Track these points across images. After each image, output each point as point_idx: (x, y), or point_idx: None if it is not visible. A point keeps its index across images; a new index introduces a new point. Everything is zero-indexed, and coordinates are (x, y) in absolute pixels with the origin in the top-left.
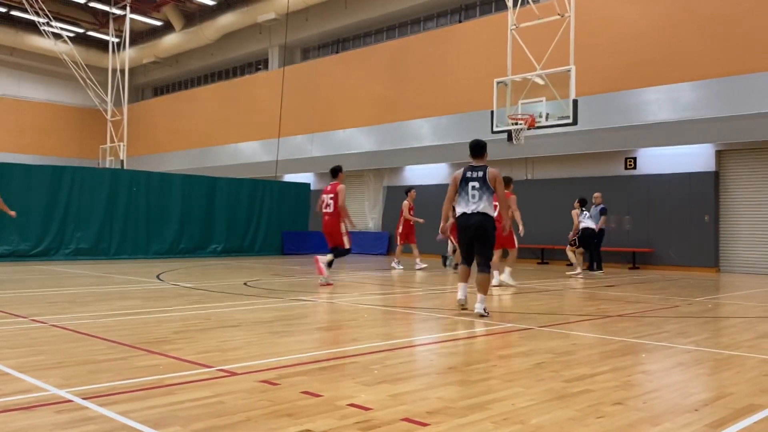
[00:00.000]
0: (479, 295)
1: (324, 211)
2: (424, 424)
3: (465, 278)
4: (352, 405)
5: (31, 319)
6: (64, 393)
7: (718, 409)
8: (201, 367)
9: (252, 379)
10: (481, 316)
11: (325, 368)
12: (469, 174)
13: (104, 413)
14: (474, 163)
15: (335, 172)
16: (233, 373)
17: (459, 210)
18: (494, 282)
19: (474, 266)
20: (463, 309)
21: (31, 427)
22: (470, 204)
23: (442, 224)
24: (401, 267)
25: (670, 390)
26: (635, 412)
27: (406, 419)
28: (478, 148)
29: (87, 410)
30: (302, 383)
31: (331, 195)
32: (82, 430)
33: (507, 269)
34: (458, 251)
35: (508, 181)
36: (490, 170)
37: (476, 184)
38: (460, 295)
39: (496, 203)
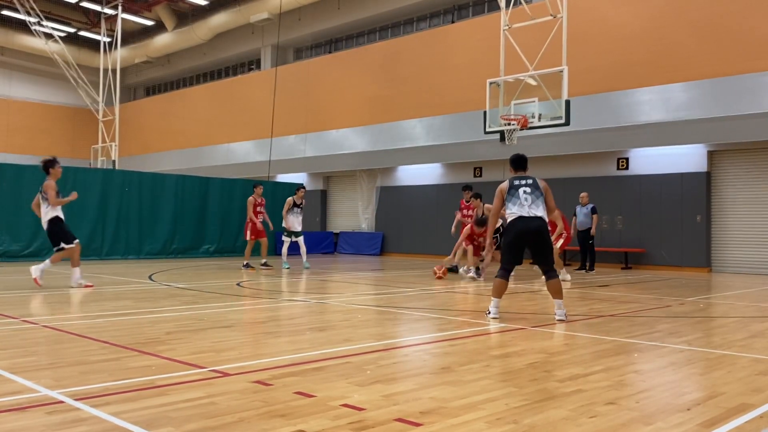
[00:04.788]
0: (558, 301)
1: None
2: (418, 424)
3: (502, 293)
4: (345, 405)
5: (23, 319)
6: (55, 394)
7: (710, 408)
8: (194, 367)
9: (245, 380)
10: (561, 320)
11: (318, 369)
12: (517, 182)
13: (96, 414)
14: (517, 176)
15: None
16: (226, 374)
17: (513, 214)
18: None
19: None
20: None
21: (22, 428)
22: (524, 207)
23: (488, 241)
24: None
25: (662, 389)
26: (628, 411)
27: (400, 419)
28: (521, 161)
29: (79, 411)
30: (295, 383)
31: None
32: (74, 431)
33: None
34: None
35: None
36: (539, 179)
37: (528, 189)
38: (494, 313)
39: None
